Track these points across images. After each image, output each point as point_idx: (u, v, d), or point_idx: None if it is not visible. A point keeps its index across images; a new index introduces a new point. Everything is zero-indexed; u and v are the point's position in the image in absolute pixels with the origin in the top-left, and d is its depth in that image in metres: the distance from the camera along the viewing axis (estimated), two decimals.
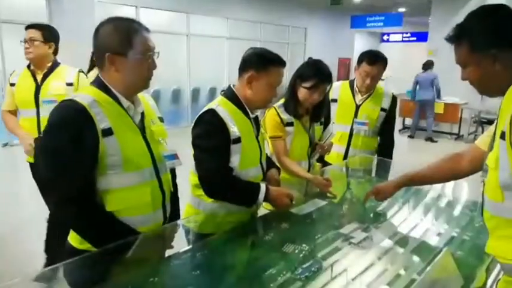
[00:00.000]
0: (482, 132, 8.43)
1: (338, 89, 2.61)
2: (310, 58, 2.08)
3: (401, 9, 12.98)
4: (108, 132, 1.20)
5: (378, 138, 2.61)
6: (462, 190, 2.11)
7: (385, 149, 2.60)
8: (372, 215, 1.78)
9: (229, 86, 1.68)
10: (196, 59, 9.18)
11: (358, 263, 1.34)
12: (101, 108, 1.22)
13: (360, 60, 2.43)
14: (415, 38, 15.93)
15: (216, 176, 1.53)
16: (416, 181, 1.65)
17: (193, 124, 1.59)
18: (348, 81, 2.63)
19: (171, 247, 1.41)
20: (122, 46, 1.25)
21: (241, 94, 1.63)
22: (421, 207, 1.92)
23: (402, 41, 16.54)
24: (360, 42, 15.83)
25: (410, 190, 2.03)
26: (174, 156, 1.42)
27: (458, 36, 1.12)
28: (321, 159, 2.41)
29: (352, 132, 2.54)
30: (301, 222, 1.69)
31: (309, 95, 2.01)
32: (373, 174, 2.56)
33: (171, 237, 1.45)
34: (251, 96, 1.61)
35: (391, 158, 2.58)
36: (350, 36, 14.77)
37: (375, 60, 2.39)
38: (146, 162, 1.32)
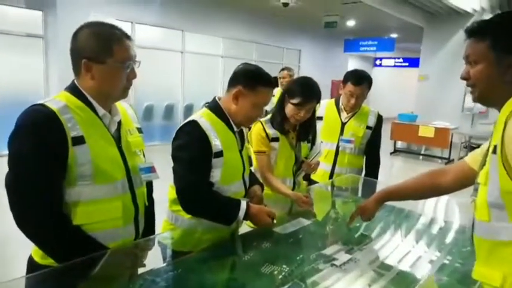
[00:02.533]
0: None
1: (324, 107, 2.61)
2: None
3: (394, 35, 13.24)
4: (79, 140, 1.14)
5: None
6: (454, 214, 2.06)
7: (371, 167, 2.58)
8: (356, 236, 1.72)
9: (214, 98, 1.64)
10: (191, 75, 9.21)
11: (340, 286, 1.27)
12: (72, 114, 1.16)
13: (346, 80, 2.44)
14: (407, 64, 16.22)
15: (194, 190, 1.47)
16: (395, 196, 1.57)
17: (174, 136, 1.54)
18: (333, 99, 2.63)
19: (143, 265, 1.32)
20: (100, 53, 1.19)
21: (226, 107, 1.59)
22: (407, 230, 1.86)
23: (394, 66, 16.83)
24: (353, 66, 16.03)
25: (400, 213, 1.98)
26: (151, 169, 1.36)
27: (484, 30, 1.04)
28: (307, 177, 2.37)
29: (338, 149, 2.52)
30: (283, 241, 1.63)
31: (295, 111, 1.98)
32: (359, 194, 2.51)
33: (143, 253, 1.37)
34: (235, 112, 1.57)
35: (376, 177, 2.56)
36: (344, 59, 14.98)
37: (359, 80, 2.41)
38: (119, 174, 1.25)
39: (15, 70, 6.45)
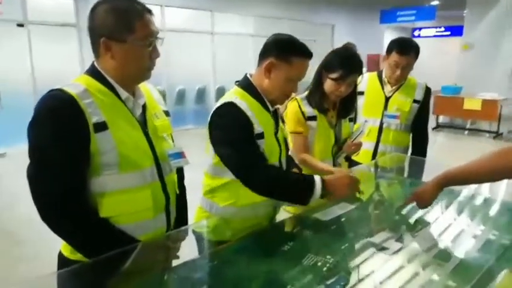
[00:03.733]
0: None
1: (365, 81, 2.39)
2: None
3: (434, 2, 12.38)
4: (101, 126, 1.05)
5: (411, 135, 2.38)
6: None
7: (418, 145, 2.37)
8: (407, 221, 1.56)
9: (246, 76, 1.50)
10: (221, 57, 9.08)
11: (392, 278, 1.13)
12: (93, 98, 1.06)
13: (390, 49, 2.21)
14: (449, 33, 15.22)
15: (257, 165, 1.35)
16: (460, 179, 1.39)
17: (210, 119, 1.42)
18: (375, 72, 2.40)
19: (177, 257, 1.24)
20: (119, 30, 1.08)
21: (258, 83, 1.45)
22: (465, 212, 1.67)
23: (435, 35, 15.84)
24: (390, 38, 15.19)
25: (453, 193, 1.78)
26: (181, 155, 1.26)
27: None
28: (348, 158, 2.20)
29: (382, 126, 2.32)
30: (325, 229, 1.50)
31: (335, 87, 1.80)
32: (405, 174, 2.32)
33: (177, 245, 1.29)
34: (268, 87, 1.43)
35: (425, 155, 2.35)
36: (379, 32, 14.26)
37: (406, 49, 2.17)
38: (147, 161, 1.16)
39: (54, 59, 6.62)
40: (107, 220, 1.10)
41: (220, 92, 9.26)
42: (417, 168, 2.29)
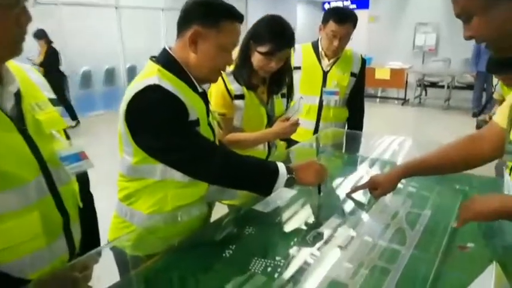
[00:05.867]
0: (426, 95, 8.74)
1: (300, 53, 2.21)
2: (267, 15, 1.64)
3: None
4: None
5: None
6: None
7: (356, 118, 2.31)
8: (355, 205, 1.43)
9: (164, 50, 1.21)
10: (130, 33, 8.29)
11: (350, 273, 0.99)
12: None
13: (326, 19, 2.06)
14: (355, 6, 15.92)
15: (210, 153, 1.14)
16: (421, 171, 1.31)
17: (130, 113, 1.10)
18: (310, 43, 2.24)
19: None
20: None
21: (182, 59, 1.17)
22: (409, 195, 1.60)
23: None
24: (302, 13, 15.54)
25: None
26: (79, 156, 0.94)
27: None
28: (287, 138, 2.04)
29: (322, 103, 2.18)
30: (268, 223, 1.32)
31: (265, 62, 1.59)
32: (344, 149, 2.24)
33: (87, 273, 0.98)
34: (195, 62, 1.16)
35: (361, 129, 2.30)
36: (292, 7, 14.40)
37: (343, 18, 2.03)
38: (29, 171, 0.83)
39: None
40: None
41: (132, 71, 8.49)
42: (355, 142, 2.23)
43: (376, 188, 1.32)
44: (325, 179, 1.30)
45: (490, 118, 2.90)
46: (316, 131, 2.24)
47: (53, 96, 1.00)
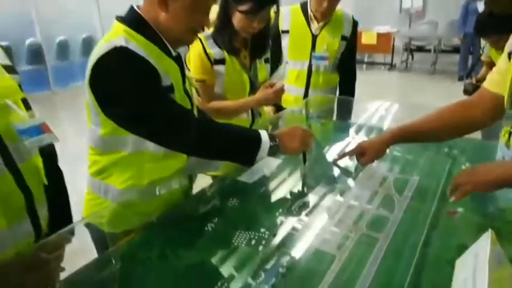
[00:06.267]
0: (413, 59, 8.66)
1: (288, 16, 2.09)
2: None
3: None
4: None
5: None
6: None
7: (347, 84, 2.22)
8: (343, 173, 1.38)
9: (131, 8, 1.10)
10: (51, 3, 6.94)
11: (339, 248, 0.95)
12: None
13: None
14: None
15: (186, 120, 1.04)
16: (412, 136, 1.25)
17: (94, 78, 1.00)
18: (298, 5, 2.11)
19: (62, 269, 0.89)
20: None
21: (152, 19, 1.06)
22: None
23: None
24: None
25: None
26: (41, 128, 0.85)
27: None
28: (275, 104, 1.96)
29: (311, 69, 2.09)
30: (253, 193, 1.27)
31: (246, 22, 1.49)
32: (335, 116, 2.17)
33: (57, 254, 0.91)
34: (167, 23, 1.06)
35: (353, 95, 2.22)
36: None
37: None
38: None
39: None
40: None
41: (62, 47, 7.44)
42: (346, 108, 2.16)
43: (364, 154, 1.27)
44: (311, 145, 1.23)
45: (477, 81, 2.89)
46: (305, 97, 2.15)
47: (8, 62, 0.90)
